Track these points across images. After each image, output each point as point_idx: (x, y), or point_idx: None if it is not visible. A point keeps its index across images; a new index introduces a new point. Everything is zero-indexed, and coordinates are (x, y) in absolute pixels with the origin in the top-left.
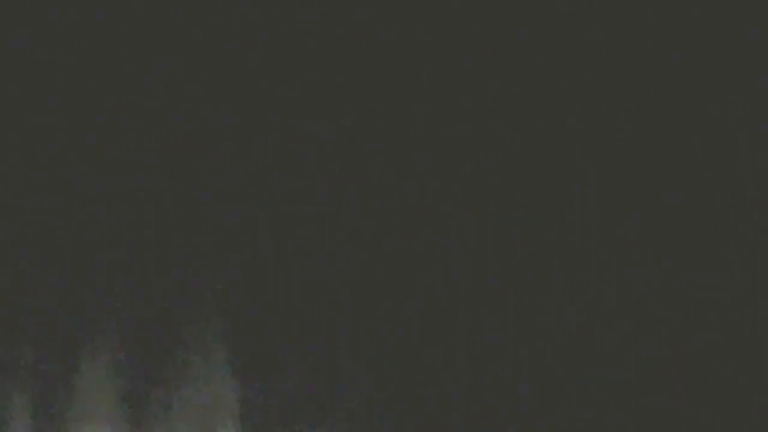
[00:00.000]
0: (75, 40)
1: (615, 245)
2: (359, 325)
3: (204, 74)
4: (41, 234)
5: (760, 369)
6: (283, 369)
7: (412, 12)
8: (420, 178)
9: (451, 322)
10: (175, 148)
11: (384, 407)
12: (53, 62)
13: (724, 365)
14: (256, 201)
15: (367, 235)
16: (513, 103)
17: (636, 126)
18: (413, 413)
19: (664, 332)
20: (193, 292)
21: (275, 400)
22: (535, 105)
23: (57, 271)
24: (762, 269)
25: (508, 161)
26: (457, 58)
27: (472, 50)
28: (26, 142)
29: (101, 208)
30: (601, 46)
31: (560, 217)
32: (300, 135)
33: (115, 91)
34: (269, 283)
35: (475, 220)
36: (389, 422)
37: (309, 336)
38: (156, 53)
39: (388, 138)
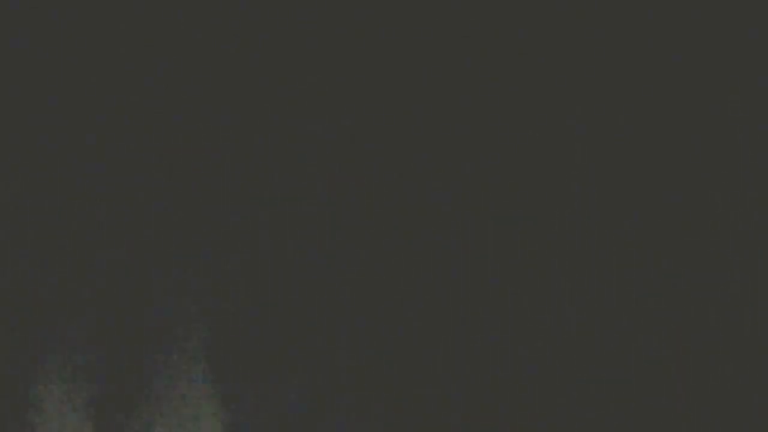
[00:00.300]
0: (75, 40)
1: (615, 245)
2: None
3: (204, 74)
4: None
5: (760, 369)
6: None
7: (412, 12)
8: (420, 178)
9: (451, 322)
10: (175, 148)
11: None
12: (53, 62)
13: (724, 365)
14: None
15: (367, 235)
16: (513, 103)
17: (636, 126)
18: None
19: (664, 332)
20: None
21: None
22: (535, 105)
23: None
24: (762, 269)
25: (508, 161)
26: (457, 58)
27: (472, 50)
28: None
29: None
30: (601, 46)
31: (560, 217)
32: (300, 135)
33: (115, 91)
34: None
35: (475, 220)
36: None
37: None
38: (156, 53)
39: (388, 138)
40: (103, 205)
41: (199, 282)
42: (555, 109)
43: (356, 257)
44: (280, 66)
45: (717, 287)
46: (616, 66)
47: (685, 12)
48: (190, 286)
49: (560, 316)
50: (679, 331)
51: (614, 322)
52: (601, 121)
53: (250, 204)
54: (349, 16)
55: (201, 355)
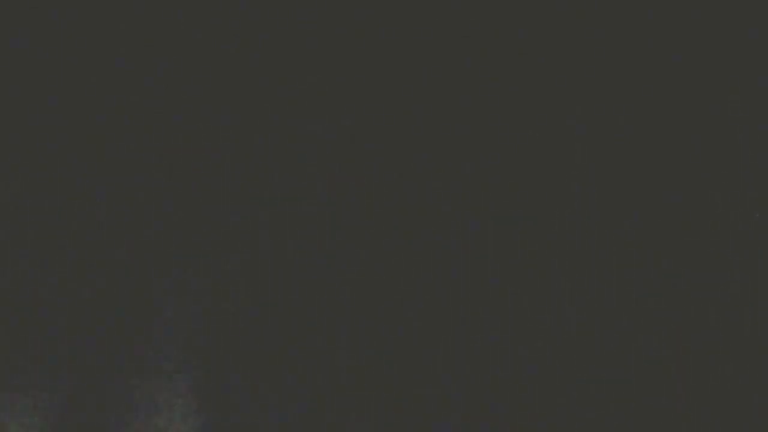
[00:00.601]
0: (75, 40)
1: (615, 245)
2: (359, 324)
3: (204, 74)
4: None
5: (761, 369)
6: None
7: (412, 12)
8: (420, 178)
9: (451, 322)
10: (175, 148)
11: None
12: (53, 62)
13: (724, 365)
14: (255, 201)
15: (367, 235)
16: (513, 103)
17: (636, 126)
18: (413, 413)
19: (664, 332)
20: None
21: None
22: (535, 105)
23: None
24: (762, 269)
25: (509, 161)
26: (457, 58)
27: (472, 50)
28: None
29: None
30: (601, 46)
31: (560, 217)
32: (300, 135)
33: (115, 91)
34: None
35: (475, 220)
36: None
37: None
38: (156, 53)
39: (388, 138)
40: (103, 205)
41: (199, 282)
42: (555, 109)
43: (356, 257)
44: (280, 66)
45: (717, 287)
46: (616, 66)
47: (685, 12)
48: (190, 286)
49: (560, 316)
50: (679, 331)
51: (614, 322)
52: (601, 121)
53: (250, 204)
54: (349, 16)
55: (200, 354)
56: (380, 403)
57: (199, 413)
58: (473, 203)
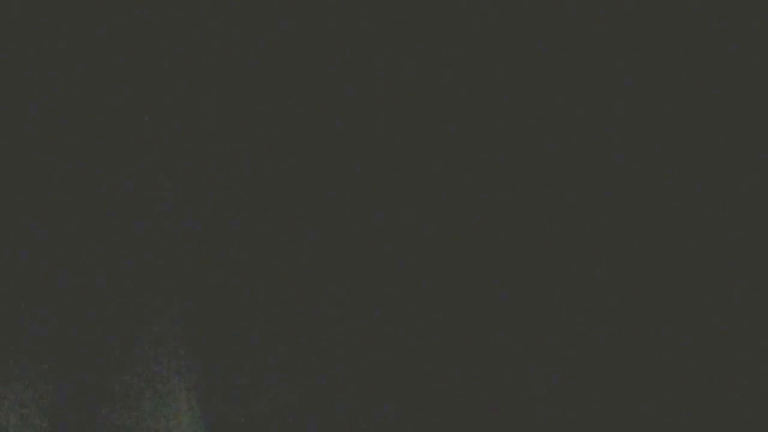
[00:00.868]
0: (75, 40)
1: (615, 245)
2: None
3: (204, 74)
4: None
5: (760, 369)
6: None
7: (412, 12)
8: (420, 178)
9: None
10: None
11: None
12: (53, 62)
13: (725, 365)
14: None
15: (367, 235)
16: (513, 103)
17: (636, 126)
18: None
19: (664, 332)
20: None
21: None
22: (535, 105)
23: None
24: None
25: (508, 161)
26: (457, 58)
27: (472, 50)
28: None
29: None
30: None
31: (560, 217)
32: (300, 135)
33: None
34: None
35: (475, 220)
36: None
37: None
38: (156, 53)
39: (388, 138)
40: (104, 204)
41: (199, 282)
42: (555, 108)
43: (356, 257)
44: (280, 66)
45: (717, 287)
46: (616, 66)
47: (686, 12)
48: (191, 286)
49: (560, 316)
50: (679, 331)
51: (614, 322)
52: (601, 121)
53: (250, 204)
54: (349, 16)
55: (200, 354)
56: (380, 403)
57: (199, 413)
58: (473, 203)
